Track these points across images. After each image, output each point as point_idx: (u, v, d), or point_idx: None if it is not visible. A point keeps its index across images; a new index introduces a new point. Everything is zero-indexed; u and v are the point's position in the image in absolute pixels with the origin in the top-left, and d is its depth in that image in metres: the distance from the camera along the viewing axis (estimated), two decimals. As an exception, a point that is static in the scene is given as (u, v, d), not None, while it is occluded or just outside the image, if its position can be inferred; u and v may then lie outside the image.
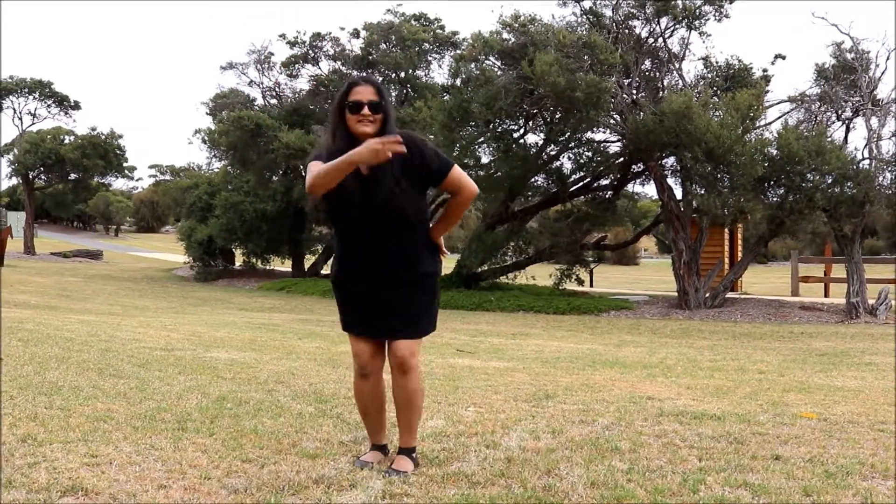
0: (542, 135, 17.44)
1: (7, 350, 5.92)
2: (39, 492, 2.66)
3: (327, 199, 3.01)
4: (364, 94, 2.97)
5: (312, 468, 3.06)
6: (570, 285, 18.13)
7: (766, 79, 15.75)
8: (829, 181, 13.52)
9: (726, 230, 18.34)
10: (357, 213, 3.00)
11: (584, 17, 15.46)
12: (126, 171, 36.68)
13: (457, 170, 3.08)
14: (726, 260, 18.36)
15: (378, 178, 2.96)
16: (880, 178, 13.69)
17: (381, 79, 22.24)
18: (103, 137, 34.07)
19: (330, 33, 22.27)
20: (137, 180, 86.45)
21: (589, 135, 16.92)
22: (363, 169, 2.93)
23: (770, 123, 15.43)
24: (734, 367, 7.09)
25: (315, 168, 2.90)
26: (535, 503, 2.72)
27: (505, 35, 15.42)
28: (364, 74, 3.46)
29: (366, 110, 2.96)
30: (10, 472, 2.85)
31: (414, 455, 3.16)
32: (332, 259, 3.34)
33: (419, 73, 22.09)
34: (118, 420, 3.76)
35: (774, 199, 14.33)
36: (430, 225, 3.18)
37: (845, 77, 14.73)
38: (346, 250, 3.10)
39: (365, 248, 3.04)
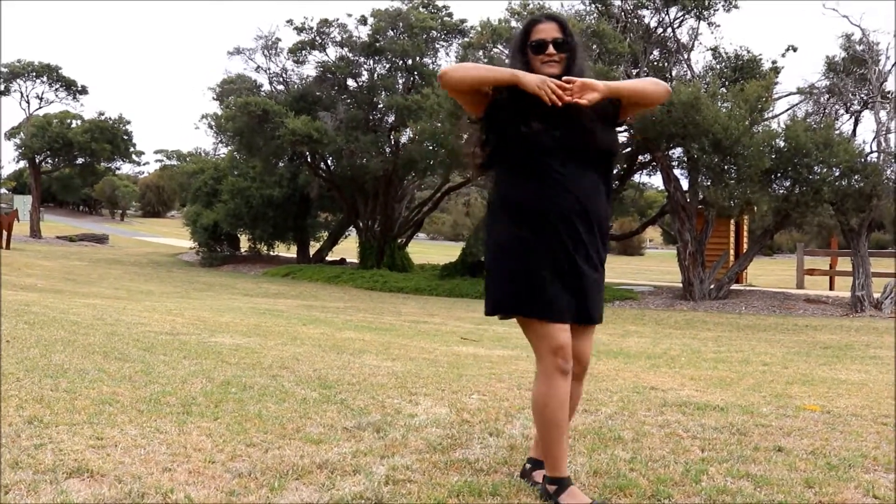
0: (548, 124, 17.36)
1: (13, 332, 5.95)
2: (45, 472, 2.68)
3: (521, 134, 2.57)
4: (548, 31, 2.63)
5: (316, 453, 3.07)
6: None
7: (776, 70, 15.65)
8: (837, 174, 13.47)
9: (732, 222, 18.30)
10: (556, 152, 2.58)
11: (593, 5, 15.39)
12: (133, 156, 36.69)
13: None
14: (731, 251, 18.33)
15: (577, 117, 2.57)
16: (888, 172, 13.64)
17: (401, 62, 22.10)
18: (111, 122, 34.14)
19: (337, 20, 22.17)
20: (144, 165, 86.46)
21: (596, 124, 16.84)
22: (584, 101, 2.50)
23: (778, 115, 15.39)
24: (738, 359, 7.09)
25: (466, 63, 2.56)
26: (538, 491, 2.72)
27: (514, 23, 15.35)
28: (547, 11, 2.93)
29: (550, 49, 2.61)
30: (16, 452, 2.87)
31: None
32: (499, 217, 2.70)
33: (427, 60, 21.97)
34: (123, 403, 3.78)
35: (781, 191, 14.28)
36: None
37: (855, 69, 14.64)
38: (537, 194, 2.59)
39: (564, 188, 2.59)
